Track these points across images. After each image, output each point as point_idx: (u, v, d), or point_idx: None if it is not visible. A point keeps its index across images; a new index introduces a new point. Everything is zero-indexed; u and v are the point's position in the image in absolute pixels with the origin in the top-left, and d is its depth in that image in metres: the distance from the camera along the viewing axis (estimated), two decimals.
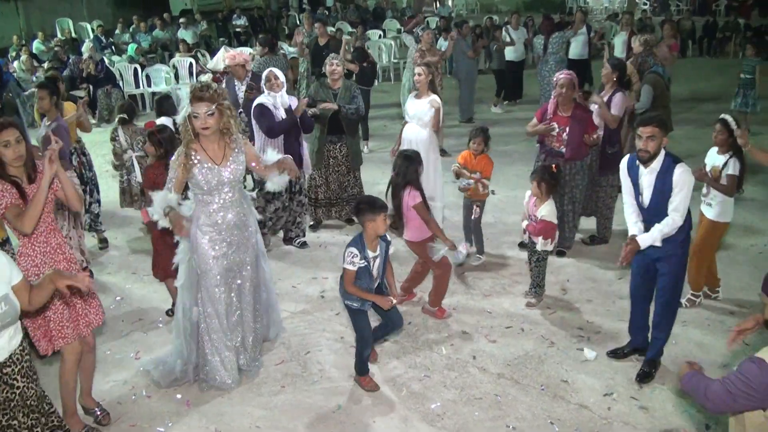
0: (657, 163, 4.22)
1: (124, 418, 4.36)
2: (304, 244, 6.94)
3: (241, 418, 4.35)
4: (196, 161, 4.21)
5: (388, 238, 4.48)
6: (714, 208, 5.29)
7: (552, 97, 6.23)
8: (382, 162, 9.16)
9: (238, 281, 4.57)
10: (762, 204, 7.74)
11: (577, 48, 12.37)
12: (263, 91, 6.43)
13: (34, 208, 3.71)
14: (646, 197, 4.33)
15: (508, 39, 12.81)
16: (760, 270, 6.09)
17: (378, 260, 4.40)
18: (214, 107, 4.12)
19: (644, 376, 4.63)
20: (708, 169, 5.30)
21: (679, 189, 4.18)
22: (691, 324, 5.32)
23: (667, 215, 4.23)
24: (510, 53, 12.93)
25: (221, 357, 4.55)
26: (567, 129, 6.06)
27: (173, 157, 4.32)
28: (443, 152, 8.75)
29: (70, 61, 12.90)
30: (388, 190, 5.26)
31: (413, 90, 7.13)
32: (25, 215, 3.71)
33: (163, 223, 4.25)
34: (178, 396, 4.57)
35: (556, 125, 6.12)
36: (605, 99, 6.45)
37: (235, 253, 4.47)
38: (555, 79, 6.17)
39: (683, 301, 5.49)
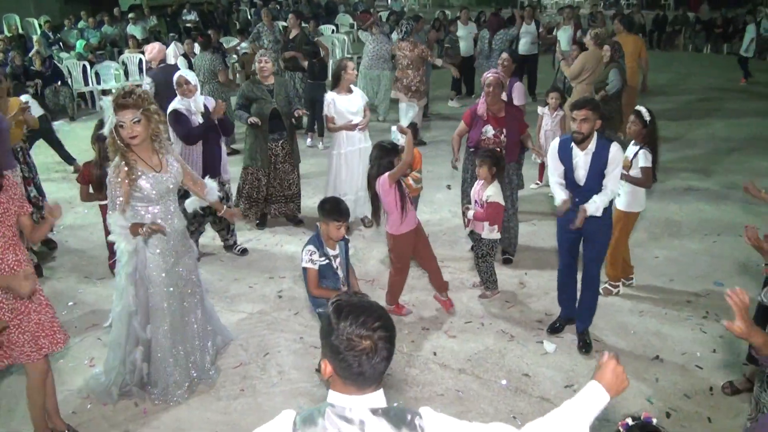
0: (592, 144, 4.58)
1: (80, 428, 4.21)
2: (244, 251, 6.68)
3: (200, 423, 4.25)
4: (139, 172, 3.96)
5: (346, 236, 4.40)
6: (623, 198, 5.35)
7: (481, 98, 5.91)
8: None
9: (189, 290, 4.44)
10: (716, 194, 7.91)
11: (525, 44, 12.50)
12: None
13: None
14: (582, 176, 4.65)
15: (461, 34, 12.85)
16: (715, 258, 6.23)
17: (339, 259, 4.31)
18: (139, 113, 3.81)
19: (588, 346, 4.97)
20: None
21: (614, 166, 4.58)
22: (648, 314, 5.39)
23: (599, 191, 4.61)
24: (462, 48, 12.93)
25: (171, 371, 4.39)
26: (504, 130, 5.84)
27: (111, 175, 3.95)
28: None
29: (9, 56, 12.42)
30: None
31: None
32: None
33: (125, 243, 4.03)
34: (135, 404, 4.44)
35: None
36: None
37: (183, 262, 4.35)
38: (482, 78, 5.86)
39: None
